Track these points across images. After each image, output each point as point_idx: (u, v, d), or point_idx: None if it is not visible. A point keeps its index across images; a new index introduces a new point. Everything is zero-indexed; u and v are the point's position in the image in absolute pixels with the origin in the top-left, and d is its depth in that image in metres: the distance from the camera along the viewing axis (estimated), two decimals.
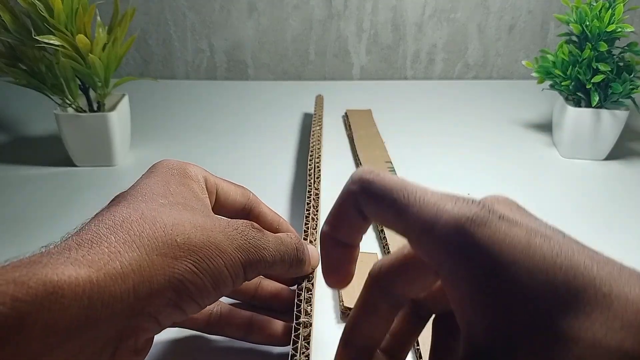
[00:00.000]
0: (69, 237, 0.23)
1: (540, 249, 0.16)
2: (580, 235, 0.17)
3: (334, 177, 0.53)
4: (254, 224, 0.28)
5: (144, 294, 0.22)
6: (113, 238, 0.22)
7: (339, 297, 0.36)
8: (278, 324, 0.32)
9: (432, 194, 0.19)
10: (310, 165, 0.49)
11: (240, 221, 0.27)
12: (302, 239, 0.36)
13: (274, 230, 0.32)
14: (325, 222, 0.23)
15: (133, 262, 0.22)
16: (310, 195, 0.43)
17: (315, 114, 0.62)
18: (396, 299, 0.22)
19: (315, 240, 0.38)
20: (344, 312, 0.35)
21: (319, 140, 0.54)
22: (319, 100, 0.68)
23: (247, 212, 0.32)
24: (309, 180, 0.46)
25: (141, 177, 0.28)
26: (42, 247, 0.22)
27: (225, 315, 0.32)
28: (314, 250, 0.33)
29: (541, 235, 0.17)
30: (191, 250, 0.24)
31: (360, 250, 0.39)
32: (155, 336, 0.25)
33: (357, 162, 0.57)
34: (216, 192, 0.31)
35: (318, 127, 0.57)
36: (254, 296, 0.34)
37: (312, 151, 0.51)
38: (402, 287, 0.22)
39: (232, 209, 0.32)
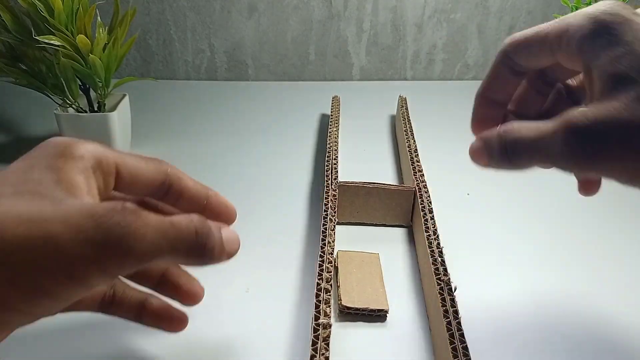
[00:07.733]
0: None
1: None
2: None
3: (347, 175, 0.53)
4: (129, 205, 0.22)
5: None
6: None
7: (338, 296, 0.36)
8: (173, 311, 0.31)
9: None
10: (327, 166, 0.50)
11: (107, 204, 0.21)
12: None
13: (202, 207, 0.29)
14: (480, 86, 0.31)
15: None
16: (328, 197, 0.44)
17: (332, 115, 0.63)
18: (519, 68, 0.29)
19: (333, 241, 0.38)
20: (342, 311, 0.35)
21: (336, 142, 0.55)
22: (336, 102, 0.69)
23: (166, 189, 0.28)
24: (327, 181, 0.47)
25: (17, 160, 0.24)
26: None
27: (118, 296, 0.29)
28: (231, 235, 0.26)
29: None
30: (6, 251, 0.19)
31: (362, 251, 0.39)
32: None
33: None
34: (117, 172, 0.26)
35: (335, 129, 0.58)
36: (158, 284, 0.31)
37: (329, 152, 0.52)
38: (525, 59, 0.28)
39: (146, 189, 0.27)
